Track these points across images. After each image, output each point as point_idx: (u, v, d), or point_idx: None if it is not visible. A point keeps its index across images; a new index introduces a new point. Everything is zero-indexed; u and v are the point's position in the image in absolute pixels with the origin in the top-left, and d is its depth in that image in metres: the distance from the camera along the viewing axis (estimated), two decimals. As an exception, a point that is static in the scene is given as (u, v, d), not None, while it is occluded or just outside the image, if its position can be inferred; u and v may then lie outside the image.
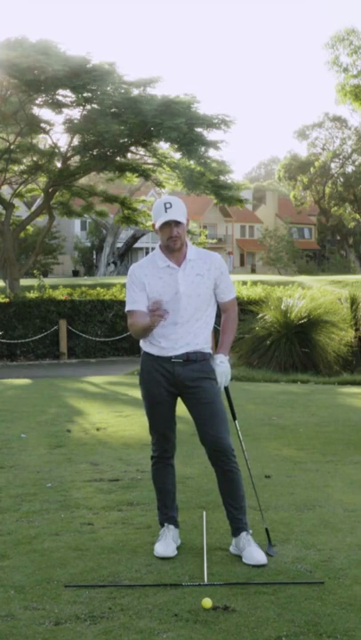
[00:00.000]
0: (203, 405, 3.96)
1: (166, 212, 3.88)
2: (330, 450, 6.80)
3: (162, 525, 4.11)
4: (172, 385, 3.99)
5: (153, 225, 3.94)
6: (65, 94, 18.60)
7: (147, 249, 59.15)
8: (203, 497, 5.03)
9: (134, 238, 43.14)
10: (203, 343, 4.01)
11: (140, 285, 3.97)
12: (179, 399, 4.08)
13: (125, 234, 45.45)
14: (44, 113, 24.14)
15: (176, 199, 3.95)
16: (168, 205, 3.88)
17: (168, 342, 3.96)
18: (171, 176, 20.87)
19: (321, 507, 4.89)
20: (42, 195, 22.24)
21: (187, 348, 3.96)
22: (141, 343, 4.08)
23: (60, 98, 18.76)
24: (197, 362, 3.97)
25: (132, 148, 20.47)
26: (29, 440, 7.23)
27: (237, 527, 4.00)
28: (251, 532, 4.04)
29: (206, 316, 4.03)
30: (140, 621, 3.20)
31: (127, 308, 4.03)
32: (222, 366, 4.01)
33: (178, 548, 4.04)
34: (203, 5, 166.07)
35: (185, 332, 3.96)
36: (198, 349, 3.98)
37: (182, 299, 3.93)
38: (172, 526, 4.08)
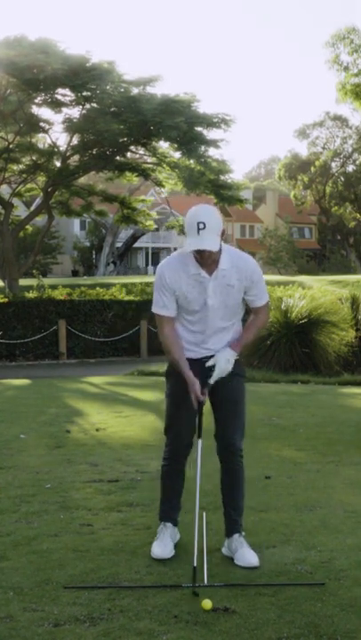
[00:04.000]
0: (228, 403, 3.95)
1: (199, 233, 3.64)
2: (330, 450, 6.79)
3: (160, 521, 4.08)
4: (201, 382, 3.92)
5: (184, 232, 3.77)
6: (64, 93, 18.60)
7: (146, 249, 59.16)
8: (203, 498, 4.97)
9: (134, 238, 43.15)
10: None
11: (170, 291, 3.83)
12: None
13: (125, 233, 45.44)
14: (44, 112, 24.18)
15: (210, 213, 3.70)
16: (201, 226, 3.63)
17: (197, 348, 3.92)
18: (170, 175, 20.87)
19: (321, 508, 4.87)
20: (41, 194, 22.25)
21: (216, 351, 3.92)
22: None
23: (59, 97, 18.76)
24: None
25: (132, 148, 20.47)
26: (28, 441, 7.21)
27: (232, 528, 3.99)
28: (243, 533, 4.02)
29: (234, 323, 3.96)
30: (140, 623, 3.19)
31: (157, 311, 3.89)
32: (227, 366, 3.87)
33: (176, 546, 4.01)
34: (203, 5, 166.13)
35: (214, 341, 3.91)
36: None
37: (210, 310, 3.84)
38: (169, 524, 4.04)
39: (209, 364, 3.90)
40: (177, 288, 3.82)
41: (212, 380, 3.90)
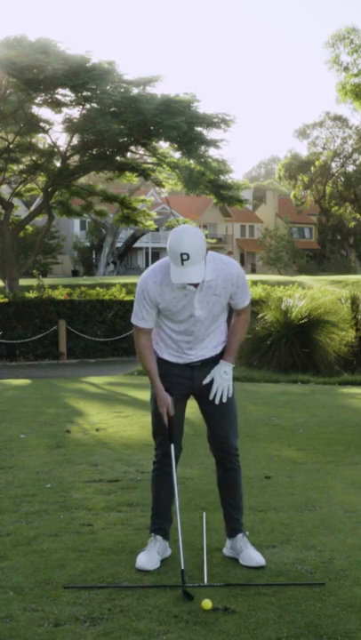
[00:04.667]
0: (216, 405, 3.92)
1: (183, 264, 3.57)
2: (330, 450, 6.78)
3: (151, 533, 4.02)
4: (187, 386, 3.93)
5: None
6: (64, 93, 18.59)
7: (146, 249, 59.16)
8: (203, 498, 5.01)
9: (134, 238, 43.10)
10: (219, 345, 3.95)
11: (152, 303, 3.80)
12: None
13: (125, 233, 45.41)
14: (44, 112, 24.21)
15: (193, 241, 3.58)
16: (185, 257, 3.55)
17: (184, 354, 3.91)
18: (170, 175, 20.86)
19: (321, 508, 4.87)
20: (41, 194, 22.25)
21: (203, 355, 3.91)
22: (156, 349, 3.96)
23: (59, 97, 18.75)
24: (214, 362, 3.92)
25: (132, 148, 20.46)
26: (29, 440, 7.21)
27: (234, 528, 3.98)
28: (247, 533, 4.02)
29: (219, 325, 3.94)
30: (140, 623, 3.19)
31: (135, 323, 3.89)
32: (224, 378, 3.89)
33: (167, 558, 3.94)
34: (203, 5, 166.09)
35: (200, 347, 3.90)
36: (215, 353, 3.93)
37: (197, 321, 3.82)
38: (159, 537, 3.96)
39: (206, 380, 3.91)
40: (161, 301, 3.79)
41: (210, 397, 3.90)
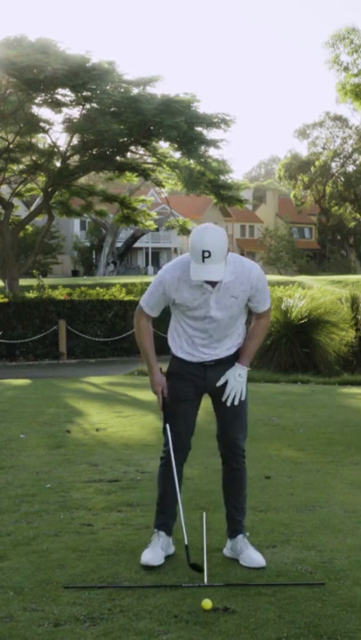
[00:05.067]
0: (229, 406, 3.92)
1: (204, 261, 3.57)
2: (330, 450, 6.79)
3: (155, 529, 4.02)
4: (201, 385, 3.93)
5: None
6: (64, 93, 18.60)
7: (146, 249, 59.16)
8: (203, 498, 5.01)
9: (134, 238, 43.13)
10: (234, 347, 3.95)
11: (164, 297, 3.82)
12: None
13: (125, 233, 45.42)
14: (44, 112, 24.20)
15: (215, 239, 3.58)
16: (207, 255, 3.55)
17: (197, 352, 3.90)
18: (170, 175, 20.87)
19: (321, 508, 4.87)
20: (41, 194, 22.25)
21: (217, 355, 3.91)
22: (172, 346, 3.97)
23: (59, 97, 18.76)
24: (228, 363, 3.92)
25: (132, 148, 20.47)
26: (29, 440, 7.21)
27: (235, 529, 3.98)
28: (247, 534, 4.02)
29: (237, 327, 3.94)
30: (140, 623, 3.19)
31: (142, 305, 3.92)
32: (238, 381, 3.89)
33: (171, 556, 3.95)
34: (203, 5, 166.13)
35: (216, 346, 3.90)
36: (229, 354, 3.93)
37: (213, 321, 3.81)
38: (163, 533, 3.97)
39: (220, 382, 3.91)
40: (177, 296, 3.80)
41: (223, 398, 3.91)
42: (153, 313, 3.92)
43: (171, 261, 3.94)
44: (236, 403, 3.92)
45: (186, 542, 3.67)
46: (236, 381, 3.89)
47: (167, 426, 3.95)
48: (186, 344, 3.92)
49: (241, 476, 4.01)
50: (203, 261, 3.59)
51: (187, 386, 3.91)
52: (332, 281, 32.89)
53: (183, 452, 3.98)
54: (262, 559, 3.83)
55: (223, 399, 3.92)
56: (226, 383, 3.91)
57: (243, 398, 3.94)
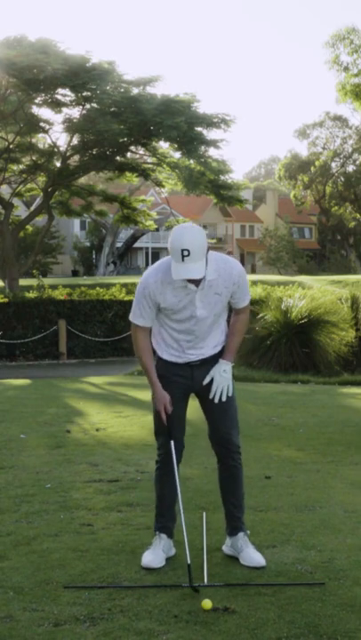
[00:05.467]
0: (217, 402, 3.93)
1: (183, 260, 3.59)
2: (330, 450, 6.79)
3: (155, 531, 4.02)
4: (188, 385, 3.94)
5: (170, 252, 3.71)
6: (64, 93, 18.60)
7: (146, 249, 59.16)
8: (203, 498, 5.01)
9: (134, 238, 43.11)
10: (219, 345, 3.96)
11: (152, 302, 3.81)
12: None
13: (125, 233, 45.42)
14: (44, 112, 24.18)
15: (194, 237, 3.60)
16: (186, 254, 3.57)
17: (183, 353, 3.91)
18: (170, 176, 20.87)
19: (321, 508, 4.87)
20: (41, 194, 22.25)
21: (203, 354, 3.92)
22: (156, 349, 3.98)
23: (59, 97, 18.76)
24: (214, 361, 3.93)
25: (132, 148, 20.47)
26: (29, 440, 7.21)
27: (235, 526, 3.98)
28: (248, 532, 4.01)
29: (220, 325, 3.95)
30: (140, 623, 3.19)
31: (133, 320, 3.90)
32: (223, 377, 3.90)
33: (172, 557, 3.94)
34: (203, 5, 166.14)
35: (201, 345, 3.91)
36: (214, 352, 3.94)
37: (199, 320, 3.83)
38: (164, 535, 3.97)
39: (206, 381, 3.92)
40: (162, 300, 3.80)
41: (210, 396, 3.91)
42: (147, 323, 3.89)
43: (151, 265, 3.93)
44: (223, 399, 3.92)
45: (188, 561, 3.59)
46: (222, 377, 3.90)
47: (160, 429, 3.96)
48: (171, 347, 3.92)
49: (237, 473, 4.01)
50: (182, 260, 3.61)
51: (175, 387, 3.91)
52: (332, 281, 32.89)
53: (179, 452, 3.98)
54: (262, 559, 3.83)
55: (211, 396, 3.92)
56: (212, 381, 3.92)
57: (230, 394, 3.94)
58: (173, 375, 3.92)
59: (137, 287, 3.91)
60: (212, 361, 3.93)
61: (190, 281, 3.72)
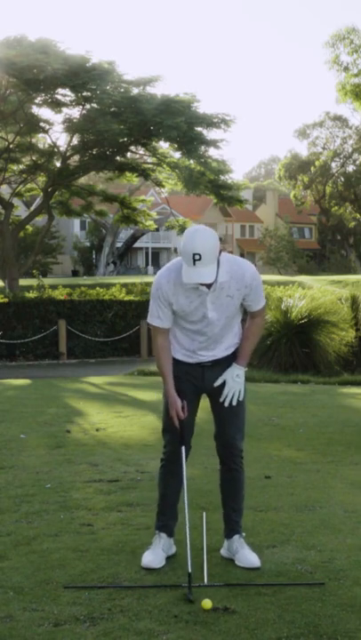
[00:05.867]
0: (227, 406, 3.92)
1: (195, 264, 3.57)
2: (330, 450, 6.79)
3: (156, 530, 4.02)
4: (199, 386, 3.93)
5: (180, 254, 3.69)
6: (64, 93, 18.61)
7: (146, 249, 59.16)
8: (203, 498, 5.01)
9: (134, 238, 43.14)
10: (232, 347, 3.95)
11: (166, 302, 3.79)
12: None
13: (125, 233, 45.44)
14: (44, 112, 24.22)
15: (205, 241, 3.58)
16: (197, 257, 3.55)
17: (195, 354, 3.91)
18: (170, 176, 20.87)
19: (321, 508, 4.87)
20: (41, 194, 22.25)
21: (214, 356, 3.91)
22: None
23: (59, 97, 18.76)
24: (225, 363, 3.92)
25: (132, 148, 20.48)
26: (29, 440, 7.21)
27: (231, 529, 3.98)
28: (244, 534, 4.01)
29: (233, 327, 3.93)
30: (140, 623, 3.19)
31: (152, 322, 3.87)
32: (236, 382, 3.89)
33: (172, 556, 3.95)
34: (203, 5, 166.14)
35: (213, 347, 3.90)
36: (227, 354, 3.93)
37: (210, 322, 3.81)
38: (164, 535, 3.97)
39: (217, 383, 3.91)
40: (174, 301, 3.78)
41: (221, 399, 3.91)
42: (165, 324, 3.86)
43: (165, 265, 3.92)
44: (234, 403, 3.92)
45: (190, 570, 3.56)
46: (235, 382, 3.90)
47: (168, 427, 3.95)
48: (184, 347, 3.91)
49: (238, 476, 4.01)
50: (194, 264, 3.58)
51: (185, 387, 3.90)
52: (332, 281, 32.91)
53: (186, 453, 3.97)
54: (257, 560, 3.82)
55: (221, 400, 3.91)
56: (224, 384, 3.91)
57: (241, 399, 3.94)
58: (185, 375, 3.91)
59: (151, 288, 3.89)
60: (224, 362, 3.91)
61: (202, 283, 3.71)
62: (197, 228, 3.69)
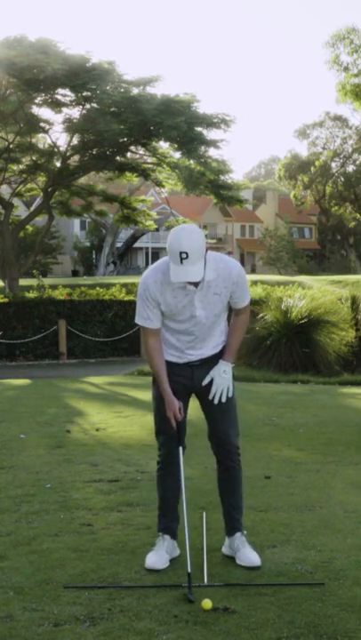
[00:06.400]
0: (216, 403, 3.92)
1: (182, 262, 3.58)
2: (330, 450, 6.79)
3: (158, 532, 4.02)
4: (188, 385, 3.94)
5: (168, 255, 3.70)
6: (64, 93, 18.59)
7: (146, 249, 59.15)
8: (202, 497, 5.01)
9: (134, 238, 43.12)
10: (219, 345, 3.95)
11: (154, 303, 3.79)
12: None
13: (125, 233, 45.43)
14: (44, 112, 24.20)
15: (191, 239, 3.59)
16: (184, 256, 3.56)
17: (183, 354, 3.91)
18: (170, 176, 20.86)
19: (321, 508, 4.87)
20: (41, 194, 22.24)
21: (202, 355, 3.92)
22: None
23: (59, 97, 18.75)
24: (214, 361, 3.92)
25: (132, 148, 20.46)
26: (29, 440, 7.21)
27: (233, 527, 3.98)
28: (245, 532, 4.01)
29: (219, 325, 3.94)
30: (140, 623, 3.19)
31: (140, 323, 3.87)
32: (223, 378, 3.90)
33: (174, 559, 3.94)
34: (203, 5, 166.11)
35: (201, 345, 3.90)
36: (214, 352, 3.94)
37: (198, 321, 3.82)
38: (167, 536, 3.96)
39: (205, 381, 3.91)
40: (161, 300, 3.78)
41: (210, 396, 3.91)
42: (155, 324, 3.85)
43: (151, 265, 3.91)
44: (223, 400, 3.91)
45: (189, 570, 3.56)
46: (222, 378, 3.90)
47: (161, 429, 3.95)
48: (172, 347, 3.92)
49: (236, 474, 4.01)
50: (181, 263, 3.59)
51: (176, 387, 3.90)
52: (332, 281, 32.90)
53: (177, 453, 3.95)
54: (258, 559, 3.82)
55: (210, 397, 3.91)
56: (212, 381, 3.91)
57: (230, 395, 3.93)
58: (174, 375, 3.91)
59: (138, 289, 3.90)
60: (212, 361, 3.93)
61: (189, 282, 3.72)
62: (183, 226, 3.70)
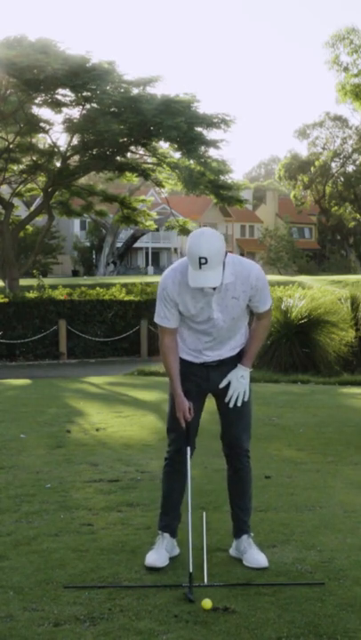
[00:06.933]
0: (232, 407, 3.92)
1: (201, 268, 3.56)
2: (330, 450, 6.79)
3: (159, 530, 4.02)
4: (204, 386, 3.93)
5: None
6: (64, 93, 18.60)
7: (146, 249, 59.15)
8: (203, 498, 5.01)
9: (134, 238, 43.15)
10: (237, 347, 3.94)
11: (172, 303, 3.78)
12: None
13: (125, 233, 45.44)
14: (44, 112, 24.17)
15: (211, 244, 3.57)
16: (203, 261, 3.54)
17: (201, 354, 3.90)
18: (170, 176, 20.87)
19: (321, 507, 4.88)
20: (41, 194, 22.25)
21: (220, 356, 3.91)
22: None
23: (59, 97, 18.76)
24: (231, 363, 3.92)
25: (132, 148, 20.47)
26: (29, 440, 7.21)
27: (240, 529, 3.99)
28: (252, 534, 4.02)
29: (239, 328, 3.92)
30: (140, 622, 3.19)
31: (158, 322, 3.86)
32: (241, 383, 3.89)
33: (173, 558, 3.95)
34: (203, 5, 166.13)
35: (219, 347, 3.89)
36: (232, 354, 3.93)
37: (216, 323, 3.80)
38: (167, 535, 3.97)
39: (222, 384, 3.91)
40: (180, 301, 3.77)
41: (226, 399, 3.91)
42: (172, 324, 3.84)
43: (170, 266, 3.91)
44: (239, 404, 3.92)
45: (191, 569, 3.57)
46: (239, 383, 3.90)
47: (172, 427, 3.95)
48: (190, 346, 3.91)
49: (245, 476, 4.03)
50: (200, 268, 3.58)
51: (191, 387, 3.90)
52: (332, 281, 32.88)
53: (187, 452, 3.97)
54: (265, 560, 3.83)
55: (226, 400, 3.91)
56: (229, 384, 3.91)
57: (246, 399, 3.94)
58: (190, 374, 3.90)
59: (157, 288, 3.89)
60: (229, 363, 3.91)
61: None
62: (203, 231, 3.67)
